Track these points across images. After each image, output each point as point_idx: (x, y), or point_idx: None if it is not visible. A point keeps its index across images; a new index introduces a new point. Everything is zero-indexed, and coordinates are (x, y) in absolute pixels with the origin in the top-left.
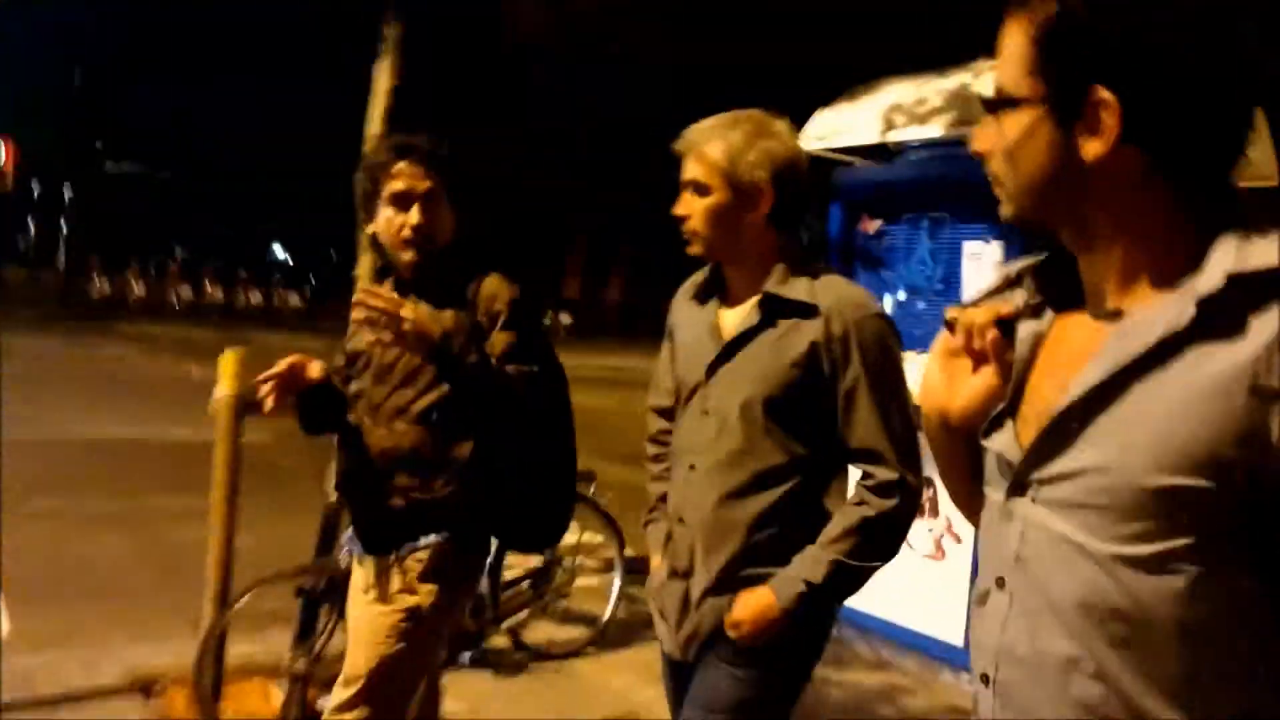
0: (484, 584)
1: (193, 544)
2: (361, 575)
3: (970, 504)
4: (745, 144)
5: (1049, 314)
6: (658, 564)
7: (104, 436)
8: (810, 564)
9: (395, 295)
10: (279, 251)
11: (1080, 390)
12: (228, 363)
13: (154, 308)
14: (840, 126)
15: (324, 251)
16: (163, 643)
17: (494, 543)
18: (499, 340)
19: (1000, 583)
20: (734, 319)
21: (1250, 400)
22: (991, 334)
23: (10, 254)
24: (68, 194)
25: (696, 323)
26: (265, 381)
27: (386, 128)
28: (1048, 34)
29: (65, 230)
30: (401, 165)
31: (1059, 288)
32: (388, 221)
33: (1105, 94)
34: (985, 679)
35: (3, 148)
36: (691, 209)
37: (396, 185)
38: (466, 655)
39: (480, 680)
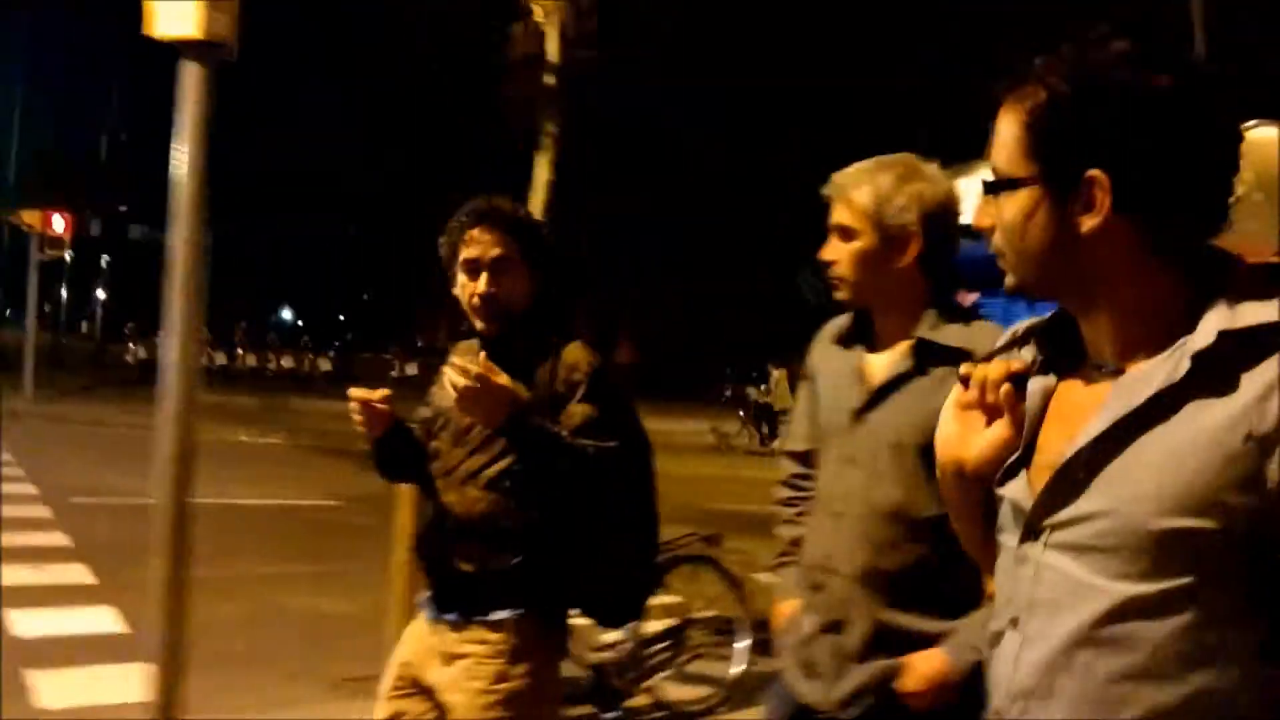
0: (627, 645)
1: (297, 609)
2: (438, 642)
3: (983, 551)
4: (893, 188)
5: (1054, 373)
6: (789, 608)
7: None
8: (980, 629)
9: (489, 364)
10: (286, 314)
11: (1086, 440)
12: None
13: None
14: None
15: (333, 315)
16: (298, 705)
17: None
18: (577, 412)
19: (1014, 623)
20: (882, 364)
21: (1245, 447)
22: (1005, 388)
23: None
24: (104, 260)
25: (839, 368)
26: (359, 403)
27: (546, 218)
28: (1038, 120)
29: (103, 296)
30: (474, 232)
31: (1063, 347)
32: (461, 287)
33: (1096, 173)
34: (999, 715)
35: (60, 217)
36: (838, 254)
37: (468, 252)
38: (610, 716)
39: None
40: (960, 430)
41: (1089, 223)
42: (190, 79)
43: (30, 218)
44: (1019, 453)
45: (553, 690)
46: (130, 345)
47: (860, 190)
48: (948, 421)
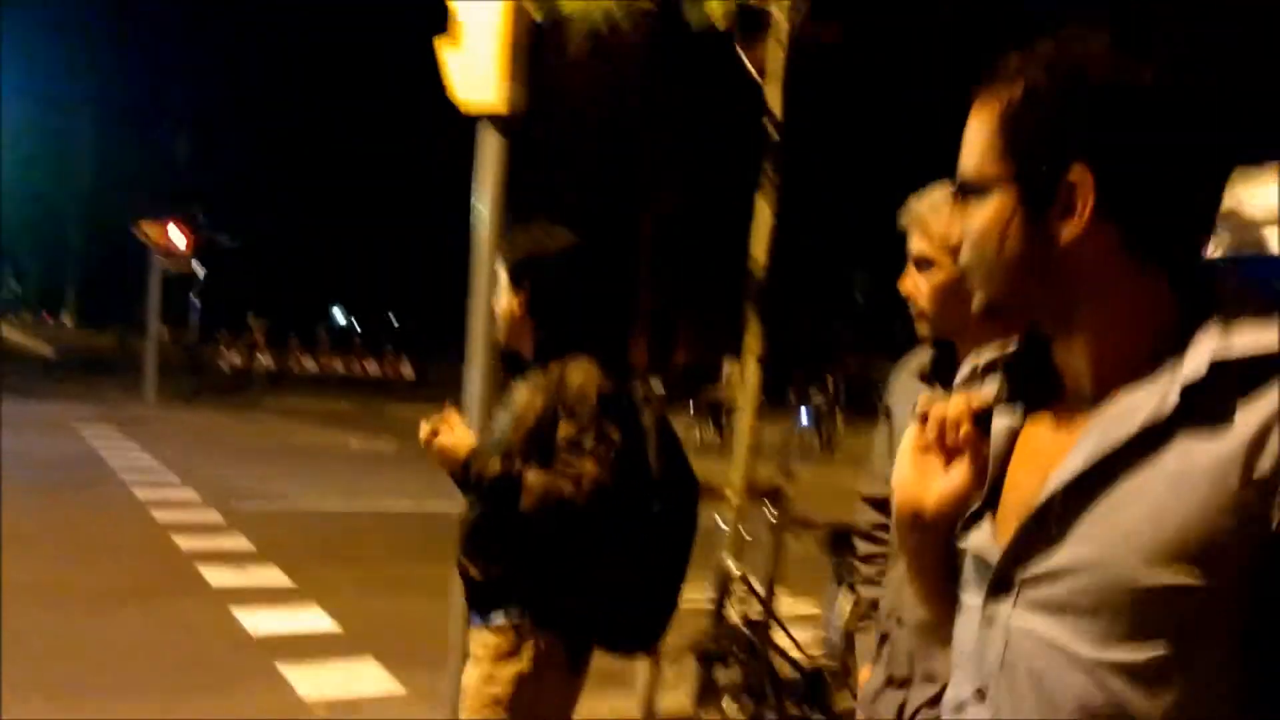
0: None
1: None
2: (469, 643)
3: (942, 609)
4: None
5: (1021, 407)
6: (866, 675)
7: (324, 510)
8: None
9: (445, 420)
10: (339, 316)
11: (1061, 482)
12: None
13: (278, 378)
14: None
15: (384, 317)
16: None
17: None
18: (562, 429)
19: (980, 694)
20: None
21: (1245, 492)
22: (965, 428)
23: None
24: (199, 269)
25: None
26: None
27: (768, 255)
28: (1015, 114)
29: (198, 304)
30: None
31: (1032, 379)
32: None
33: (1079, 171)
34: None
35: (176, 228)
36: (918, 288)
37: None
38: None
39: None
40: (917, 474)
41: (1069, 229)
42: (489, 146)
43: (151, 230)
44: (983, 499)
45: (550, 700)
46: (224, 350)
47: (938, 217)
48: (903, 465)
